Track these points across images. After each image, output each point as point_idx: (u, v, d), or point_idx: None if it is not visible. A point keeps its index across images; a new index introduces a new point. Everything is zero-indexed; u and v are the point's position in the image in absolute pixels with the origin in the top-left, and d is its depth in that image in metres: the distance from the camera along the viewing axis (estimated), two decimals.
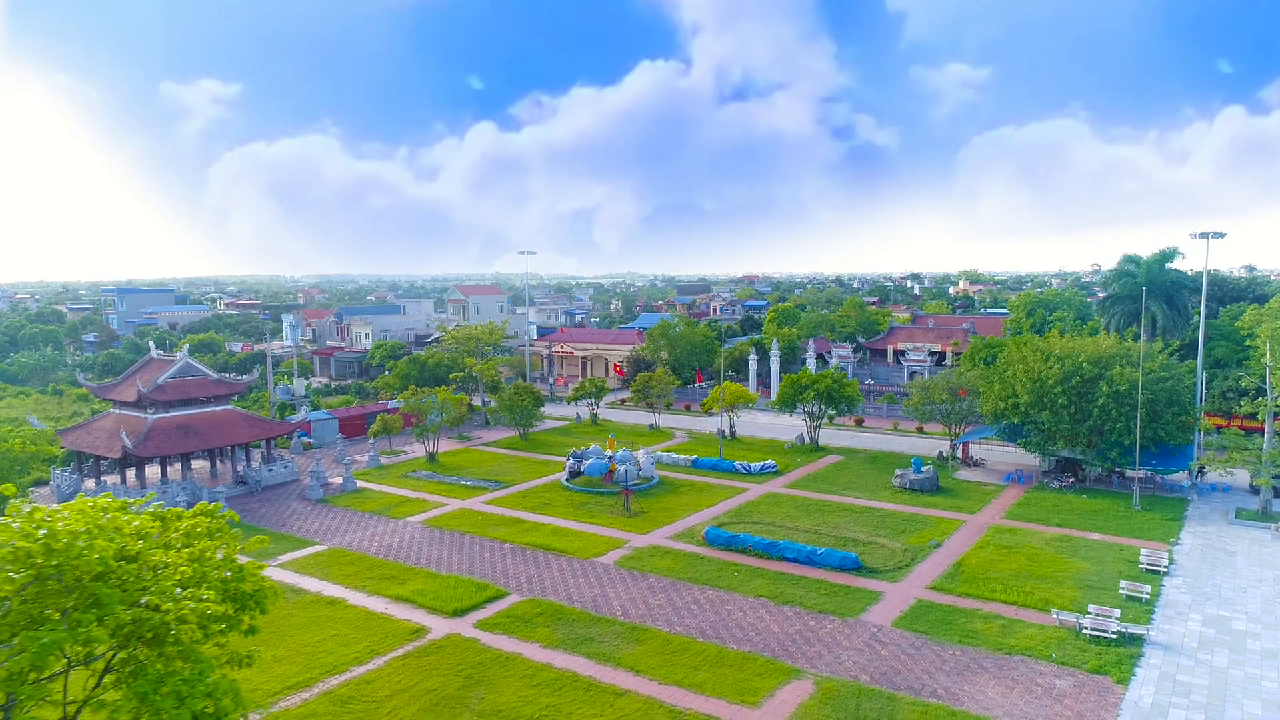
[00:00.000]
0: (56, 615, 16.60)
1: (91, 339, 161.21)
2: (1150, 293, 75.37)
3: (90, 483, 61.18)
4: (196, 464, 64.08)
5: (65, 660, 16.75)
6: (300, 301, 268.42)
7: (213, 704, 17.44)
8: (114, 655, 17.70)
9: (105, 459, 60.94)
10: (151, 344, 68.59)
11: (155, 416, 58.46)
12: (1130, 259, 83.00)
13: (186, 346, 66.08)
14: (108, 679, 17.84)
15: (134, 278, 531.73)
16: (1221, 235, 60.06)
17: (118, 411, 61.18)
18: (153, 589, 17.71)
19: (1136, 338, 71.28)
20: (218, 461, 66.08)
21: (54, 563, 16.66)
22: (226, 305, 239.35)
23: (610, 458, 61.65)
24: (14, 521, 17.28)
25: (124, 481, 59.64)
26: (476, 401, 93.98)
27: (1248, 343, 63.01)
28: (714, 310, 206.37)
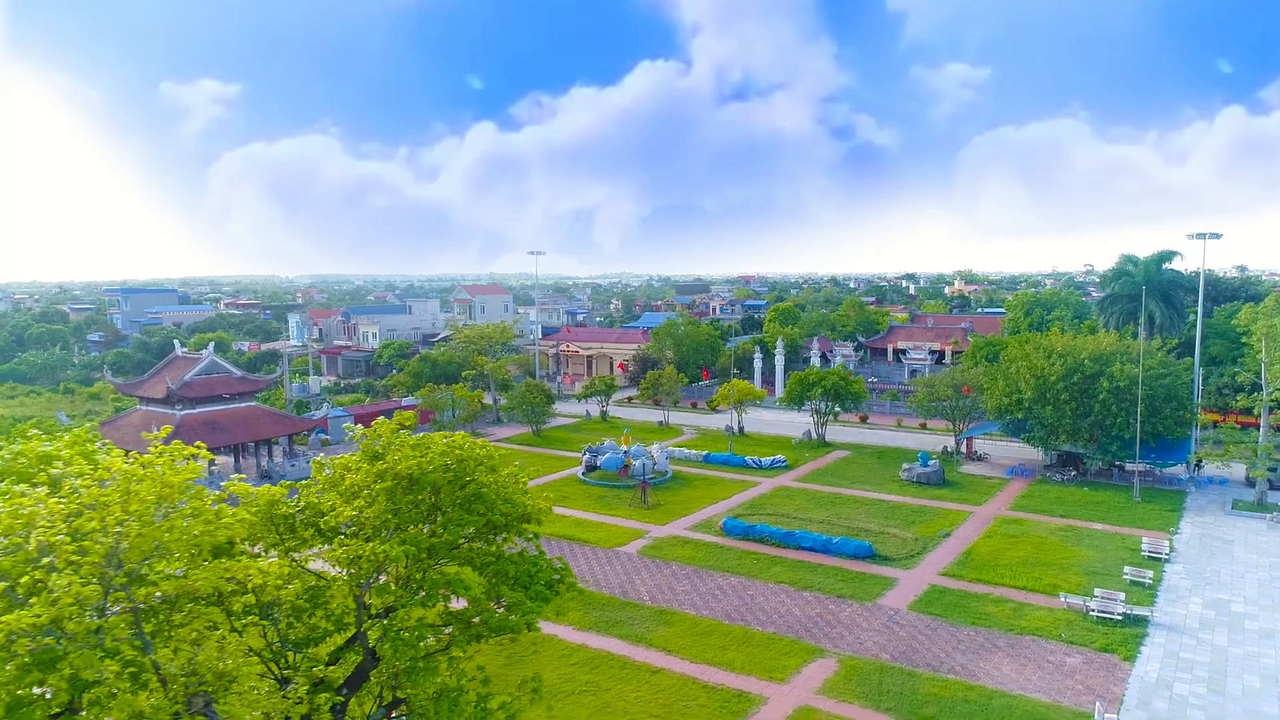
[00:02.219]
0: (457, 506, 21.21)
1: (96, 339, 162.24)
2: (1148, 292, 77.36)
3: None
4: (220, 459, 65.58)
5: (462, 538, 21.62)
6: (299, 301, 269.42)
7: (551, 577, 22.46)
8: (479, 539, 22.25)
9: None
10: (176, 343, 70.18)
11: (183, 413, 59.97)
12: (1129, 259, 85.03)
13: (212, 344, 67.70)
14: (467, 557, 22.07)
15: (129, 278, 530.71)
16: (1218, 236, 62.06)
17: (145, 408, 62.68)
18: (506, 495, 22.07)
19: (1135, 336, 73.29)
20: (241, 457, 67.57)
21: (458, 467, 21.32)
22: (227, 305, 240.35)
23: (625, 453, 63.36)
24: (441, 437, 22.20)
25: None
26: (488, 399, 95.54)
27: (1243, 340, 65.00)
28: (713, 310, 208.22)
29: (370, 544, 18.98)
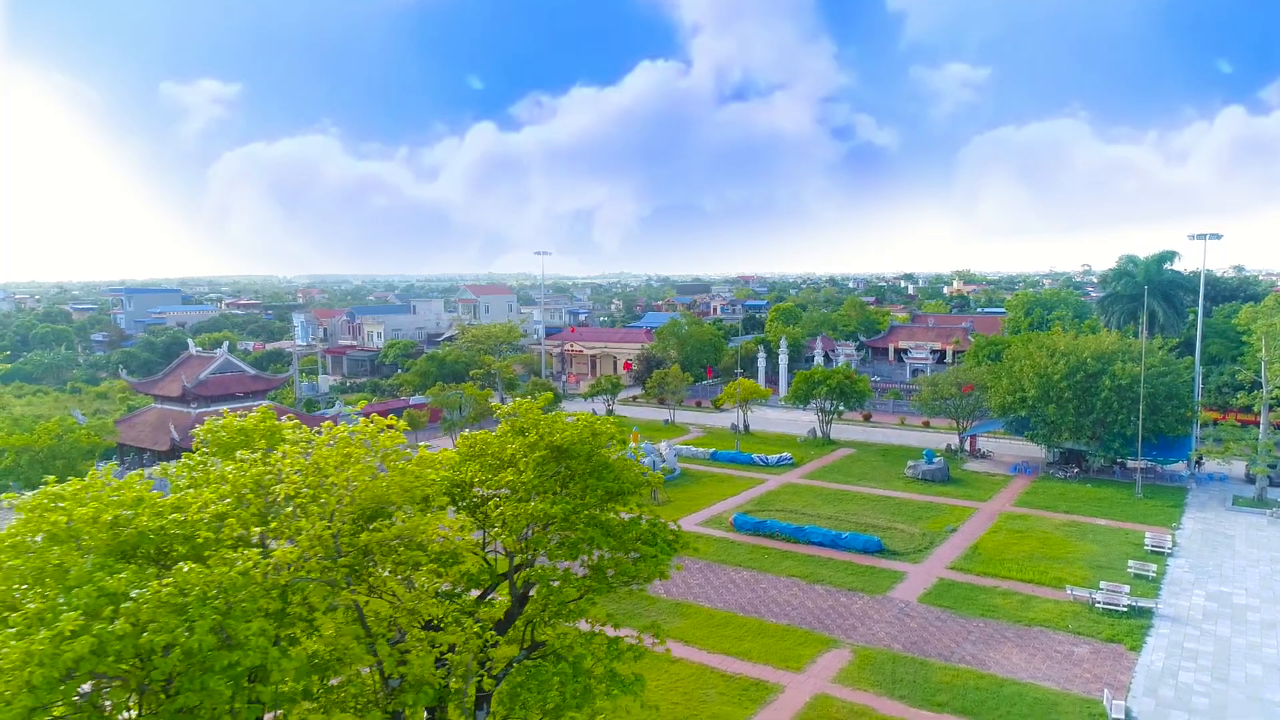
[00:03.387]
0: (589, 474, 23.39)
1: (100, 338, 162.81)
2: (1149, 292, 78.40)
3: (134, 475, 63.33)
4: None
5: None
6: (300, 301, 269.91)
7: (668, 536, 24.36)
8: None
9: (148, 451, 63.12)
10: (190, 341, 70.86)
11: (199, 410, 60.74)
12: (1130, 259, 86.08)
13: (226, 343, 68.46)
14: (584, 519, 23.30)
15: (128, 278, 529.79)
16: (1219, 237, 63.04)
17: (160, 406, 63.42)
18: (627, 465, 24.09)
19: (1136, 335, 74.29)
20: None
21: (592, 440, 23.35)
22: (228, 305, 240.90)
23: (634, 450, 64.18)
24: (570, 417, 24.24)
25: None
26: (495, 399, 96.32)
27: (1244, 339, 66.01)
28: (714, 310, 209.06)
29: (531, 503, 21.53)
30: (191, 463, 20.60)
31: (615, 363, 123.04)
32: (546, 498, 22.05)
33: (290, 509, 18.20)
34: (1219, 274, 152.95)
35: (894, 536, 49.01)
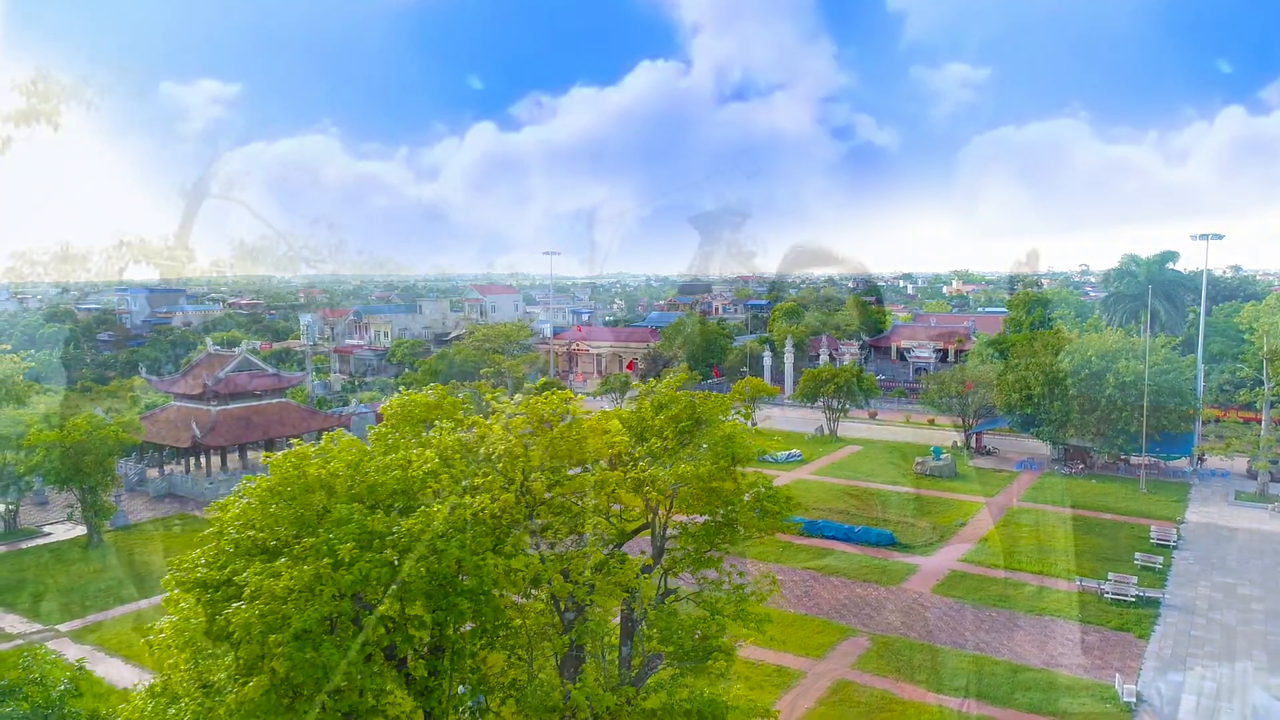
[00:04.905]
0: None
1: (106, 338, 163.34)
2: (1151, 291, 79.58)
3: (154, 471, 64.29)
4: (252, 454, 67.27)
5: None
6: (301, 301, 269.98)
7: (783, 497, 25.50)
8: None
9: (167, 448, 64.07)
10: (209, 340, 71.74)
11: (218, 409, 61.67)
12: (1132, 259, 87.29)
13: (245, 342, 69.29)
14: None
15: (126, 277, 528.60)
16: (1220, 237, 64.32)
17: (179, 404, 64.33)
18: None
19: (1139, 333, 75.45)
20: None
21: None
22: (230, 305, 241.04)
23: None
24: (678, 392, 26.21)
25: (188, 471, 62.88)
26: (506, 397, 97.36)
27: (1245, 337, 67.17)
28: (716, 309, 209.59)
29: (679, 466, 23.77)
30: (384, 432, 22.92)
31: (620, 361, 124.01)
32: (688, 462, 24.19)
33: (500, 464, 21.26)
34: (1217, 274, 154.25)
35: (905, 530, 50.09)
